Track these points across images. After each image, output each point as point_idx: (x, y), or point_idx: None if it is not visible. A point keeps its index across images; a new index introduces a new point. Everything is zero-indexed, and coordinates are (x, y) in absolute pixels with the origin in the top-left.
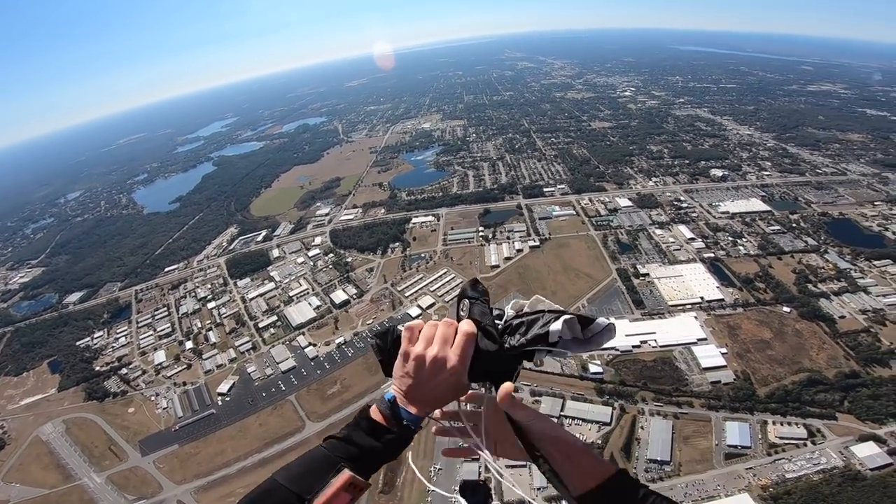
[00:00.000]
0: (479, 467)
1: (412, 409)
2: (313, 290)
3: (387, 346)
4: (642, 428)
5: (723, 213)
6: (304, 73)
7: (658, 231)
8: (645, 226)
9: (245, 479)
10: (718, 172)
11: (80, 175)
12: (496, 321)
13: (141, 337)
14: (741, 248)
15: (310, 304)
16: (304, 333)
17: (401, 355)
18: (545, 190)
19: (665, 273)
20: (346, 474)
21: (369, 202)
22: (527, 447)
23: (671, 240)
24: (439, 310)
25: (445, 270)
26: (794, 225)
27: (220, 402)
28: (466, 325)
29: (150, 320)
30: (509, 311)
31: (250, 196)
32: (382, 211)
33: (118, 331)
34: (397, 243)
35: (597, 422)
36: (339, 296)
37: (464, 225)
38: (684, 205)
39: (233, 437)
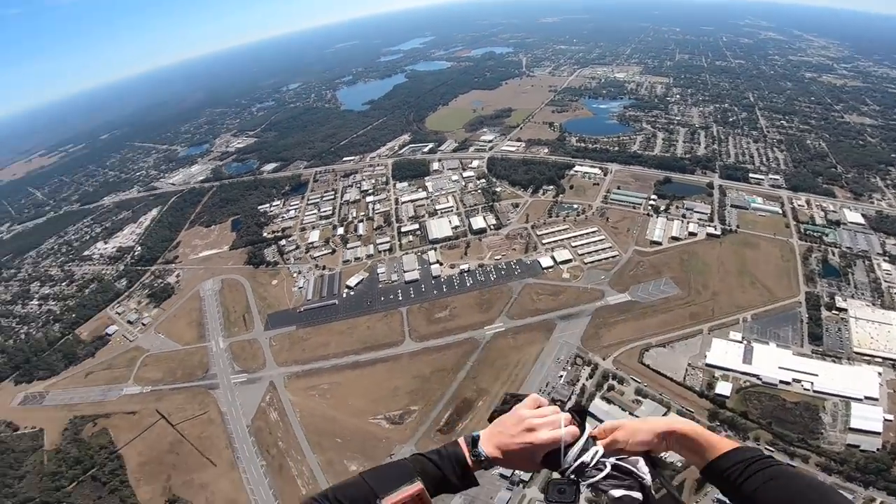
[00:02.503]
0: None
1: (489, 452)
2: (457, 209)
3: (511, 403)
4: None
5: None
6: (497, 3)
7: (886, 265)
8: (870, 253)
9: (331, 377)
10: None
11: (302, 70)
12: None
13: (306, 213)
14: None
15: (450, 221)
16: (435, 249)
17: (514, 410)
18: (751, 175)
19: (870, 315)
20: (417, 486)
21: (534, 139)
22: None
23: None
24: (573, 268)
25: (596, 229)
26: None
27: (344, 295)
28: (570, 429)
29: (318, 200)
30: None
31: (428, 110)
32: (546, 151)
33: (291, 203)
34: (551, 187)
35: None
36: (478, 222)
37: (634, 188)
38: None
39: (341, 332)
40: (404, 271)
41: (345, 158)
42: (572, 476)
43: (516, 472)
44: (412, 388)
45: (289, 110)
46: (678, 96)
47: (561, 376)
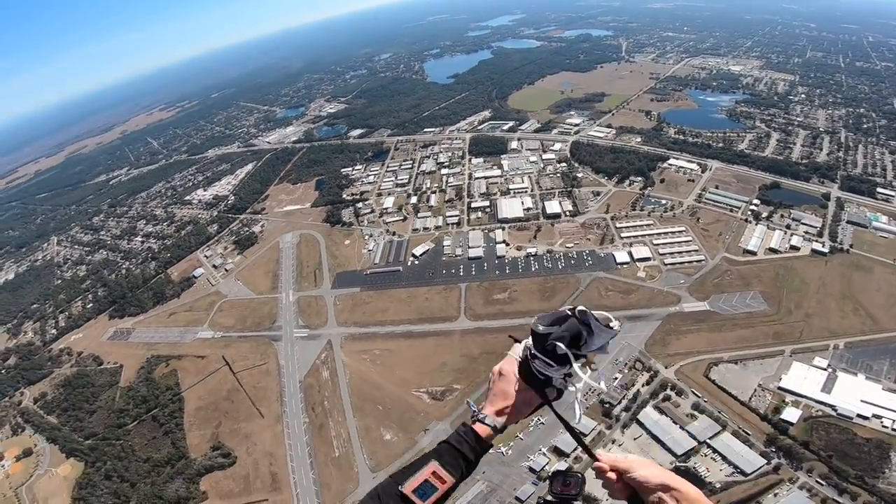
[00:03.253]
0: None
1: (497, 420)
2: (531, 190)
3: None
4: (775, 495)
5: None
6: None
7: None
8: None
9: (384, 344)
10: None
11: (393, 41)
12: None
13: (384, 180)
14: None
15: (522, 202)
16: (503, 228)
17: (495, 371)
18: (879, 191)
19: None
20: (432, 465)
21: (627, 126)
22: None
23: None
24: (650, 268)
25: (683, 229)
26: None
27: (409, 263)
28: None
29: (396, 168)
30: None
31: (512, 88)
32: (638, 140)
33: (372, 169)
34: (639, 178)
35: (735, 466)
36: (552, 206)
37: (735, 189)
38: None
39: (401, 300)
40: (469, 247)
41: (425, 129)
42: (566, 376)
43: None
44: (459, 367)
45: (378, 79)
46: (803, 96)
47: (616, 378)
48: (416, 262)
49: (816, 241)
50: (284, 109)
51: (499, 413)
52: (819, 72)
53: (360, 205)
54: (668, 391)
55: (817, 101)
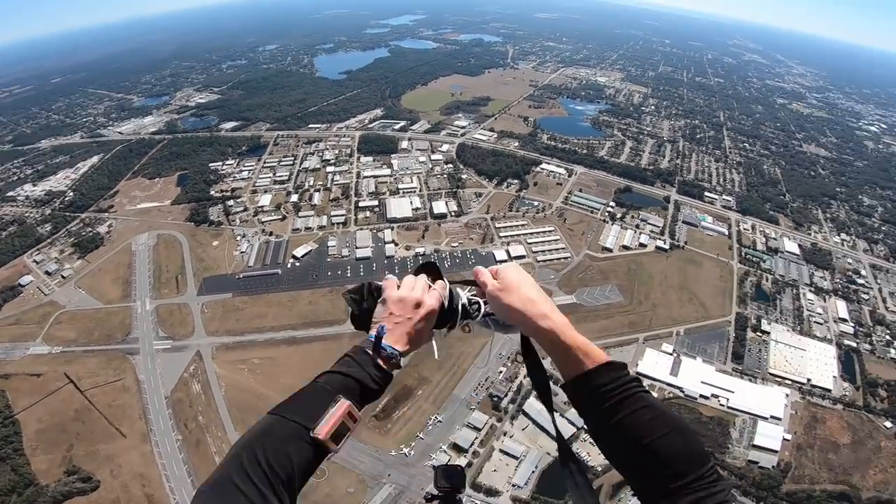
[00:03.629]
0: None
1: (398, 347)
2: (420, 191)
3: (363, 298)
4: None
5: None
6: None
7: (810, 296)
8: (800, 283)
9: (264, 352)
10: None
11: (283, 33)
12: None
13: (260, 176)
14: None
15: (411, 202)
16: (392, 228)
17: (384, 300)
18: (706, 194)
19: (788, 340)
20: (344, 403)
21: (507, 131)
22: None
23: (818, 311)
24: (525, 265)
25: (552, 229)
26: None
27: (289, 265)
28: (442, 282)
29: (275, 164)
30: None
31: (406, 88)
32: (516, 144)
33: (246, 164)
34: (516, 181)
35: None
36: (439, 206)
37: (595, 192)
38: (860, 281)
39: (281, 304)
40: (357, 247)
41: (311, 125)
42: (463, 319)
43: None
44: None
45: (260, 71)
46: (653, 107)
47: (500, 372)
48: (298, 264)
49: (659, 238)
50: (144, 98)
51: (405, 350)
52: (667, 85)
53: (231, 202)
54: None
55: (663, 112)
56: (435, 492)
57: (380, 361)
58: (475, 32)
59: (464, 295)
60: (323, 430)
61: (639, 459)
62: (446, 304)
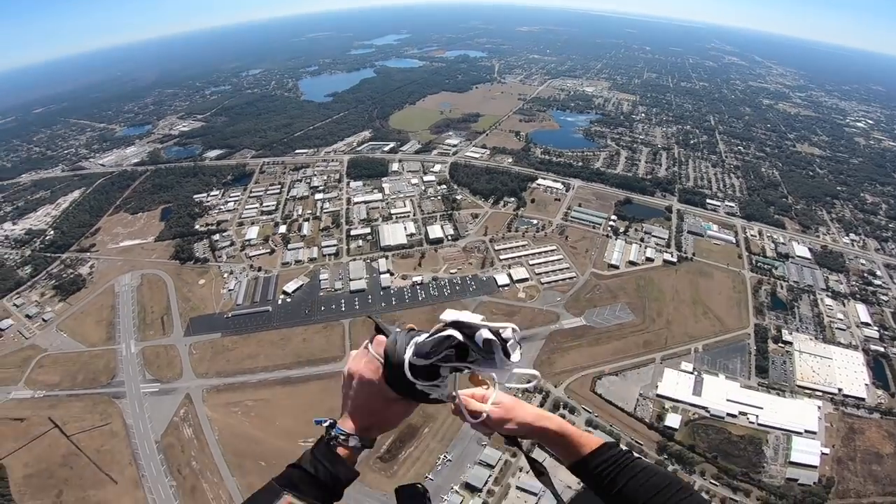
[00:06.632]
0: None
1: (344, 428)
2: (414, 215)
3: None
4: None
5: None
6: (478, 9)
7: (828, 301)
8: (815, 288)
9: (258, 394)
10: None
11: (266, 57)
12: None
13: (247, 207)
14: None
15: (405, 228)
16: (387, 257)
17: (344, 379)
18: (708, 202)
19: (812, 349)
20: (286, 499)
21: (500, 147)
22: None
23: (839, 316)
24: (529, 288)
25: (555, 248)
26: None
27: (279, 301)
28: (379, 339)
29: (261, 193)
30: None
31: (393, 108)
32: (510, 160)
33: (232, 195)
34: (513, 199)
35: None
36: (435, 231)
37: (595, 206)
38: (877, 281)
39: (273, 342)
40: (350, 279)
41: (297, 151)
42: (411, 363)
43: None
44: None
45: (244, 96)
46: (643, 115)
47: None
48: (289, 300)
49: (666, 251)
50: (125, 127)
51: (362, 429)
52: (654, 92)
53: (216, 237)
54: (562, 410)
55: (654, 119)
56: None
57: (339, 449)
58: (460, 49)
59: (410, 349)
60: None
61: None
62: (396, 359)
